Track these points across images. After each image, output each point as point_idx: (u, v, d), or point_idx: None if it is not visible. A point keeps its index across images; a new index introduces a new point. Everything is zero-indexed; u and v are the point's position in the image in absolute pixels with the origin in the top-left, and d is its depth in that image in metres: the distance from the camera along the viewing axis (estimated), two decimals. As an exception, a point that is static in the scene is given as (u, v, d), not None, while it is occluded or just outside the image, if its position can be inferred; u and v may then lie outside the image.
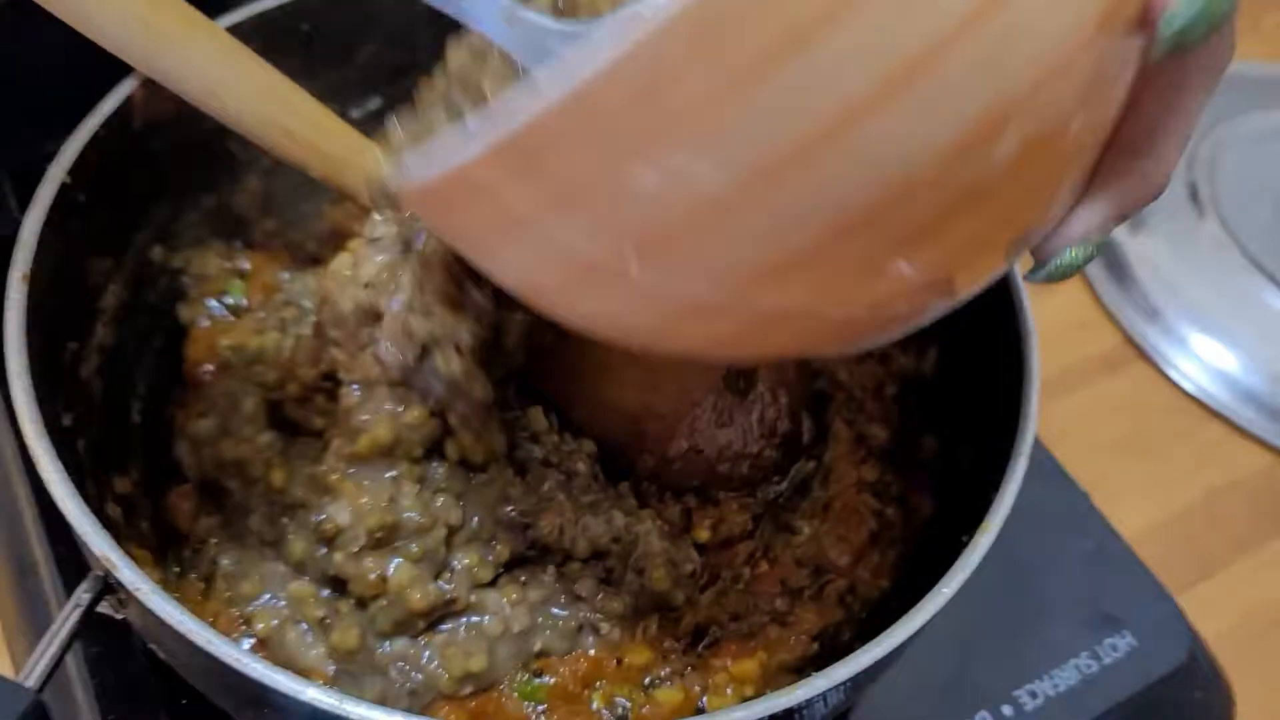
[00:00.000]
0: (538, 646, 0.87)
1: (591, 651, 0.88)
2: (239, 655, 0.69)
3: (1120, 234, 1.63)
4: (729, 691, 0.88)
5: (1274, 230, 1.62)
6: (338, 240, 1.08)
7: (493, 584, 0.88)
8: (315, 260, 1.10)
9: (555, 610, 0.88)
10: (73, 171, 0.90)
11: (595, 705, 0.86)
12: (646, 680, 0.88)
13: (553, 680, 0.86)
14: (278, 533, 0.87)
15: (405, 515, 0.84)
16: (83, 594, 0.74)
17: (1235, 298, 1.56)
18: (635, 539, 0.90)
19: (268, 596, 0.86)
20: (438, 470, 0.87)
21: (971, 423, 0.99)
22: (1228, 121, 1.75)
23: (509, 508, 0.88)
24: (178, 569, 0.90)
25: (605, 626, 0.88)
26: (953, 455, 1.01)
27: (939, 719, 0.97)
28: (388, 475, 0.85)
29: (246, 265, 1.08)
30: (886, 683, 0.85)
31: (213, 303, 1.06)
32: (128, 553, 0.79)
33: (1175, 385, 1.50)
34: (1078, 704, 1.00)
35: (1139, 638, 1.04)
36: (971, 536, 0.81)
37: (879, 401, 1.06)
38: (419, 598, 0.83)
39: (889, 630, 0.74)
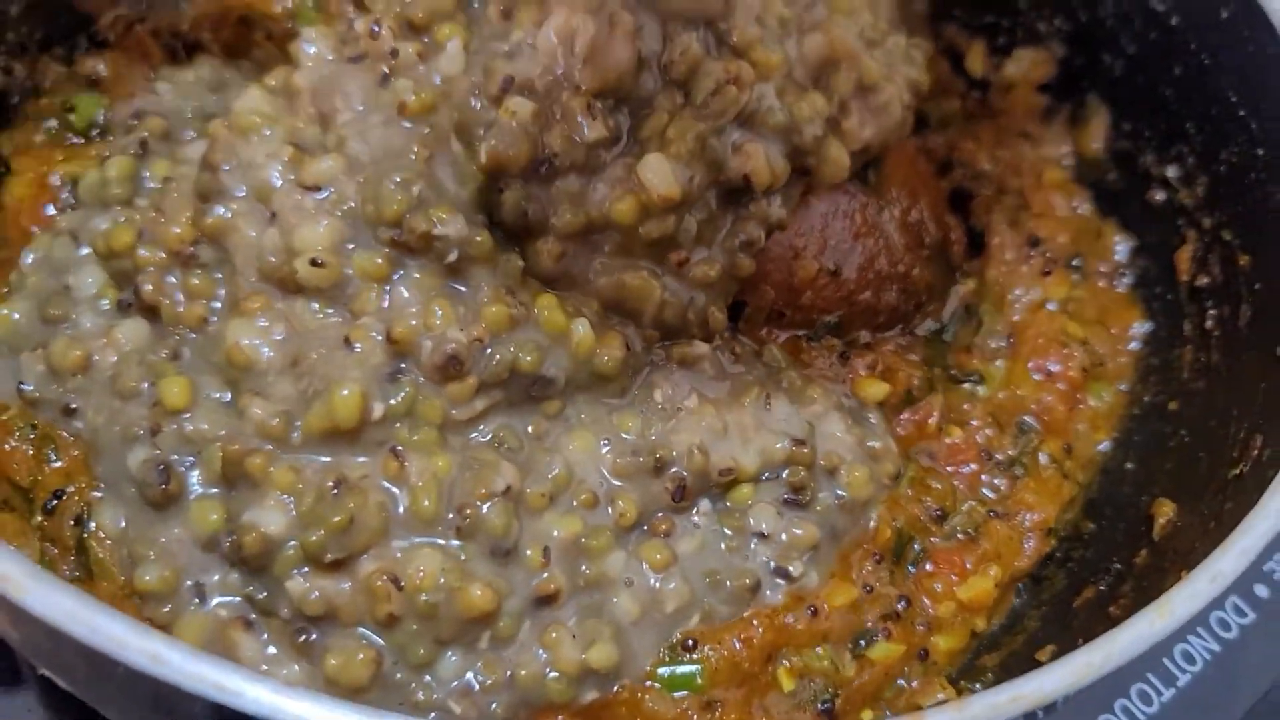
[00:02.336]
0: (695, 619, 0.60)
1: (777, 602, 0.62)
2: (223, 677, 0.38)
3: None
4: (958, 624, 0.62)
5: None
6: (237, 24, 0.78)
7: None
8: (195, 48, 0.78)
9: (721, 563, 0.62)
10: None
11: (788, 687, 0.60)
12: (854, 639, 0.62)
13: (714, 655, 0.59)
14: (173, 488, 0.57)
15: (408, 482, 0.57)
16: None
17: None
18: (814, 430, 0.65)
19: (187, 586, 0.56)
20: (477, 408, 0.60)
21: (1185, 212, 0.73)
22: None
23: (622, 439, 0.63)
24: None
25: (797, 566, 0.62)
26: (1160, 256, 0.75)
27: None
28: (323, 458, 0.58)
29: (101, 69, 0.75)
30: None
31: (51, 123, 0.73)
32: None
33: None
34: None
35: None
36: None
37: (1040, 193, 0.79)
38: (479, 595, 0.55)
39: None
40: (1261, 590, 0.75)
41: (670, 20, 0.64)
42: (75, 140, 0.73)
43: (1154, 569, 0.60)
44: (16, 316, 0.64)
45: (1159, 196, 0.76)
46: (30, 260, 0.66)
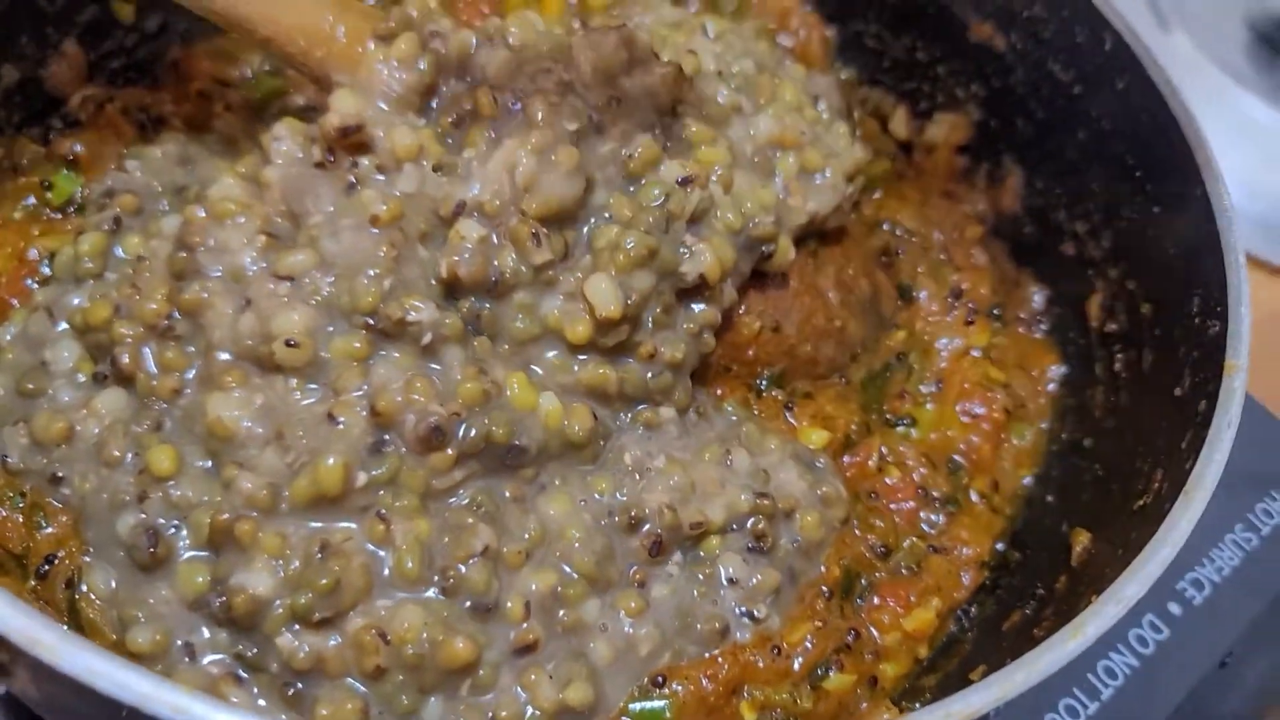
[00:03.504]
0: (665, 659, 0.64)
1: (744, 641, 0.66)
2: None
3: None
4: (903, 652, 0.67)
5: (1245, 39, 1.48)
6: (195, 98, 0.83)
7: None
8: (159, 123, 0.81)
9: (693, 608, 0.66)
10: None
11: (750, 719, 0.64)
12: (810, 672, 0.66)
13: (682, 691, 0.63)
14: (161, 551, 0.60)
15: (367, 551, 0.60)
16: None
17: (1215, 115, 1.41)
18: (770, 481, 0.70)
19: (178, 646, 0.59)
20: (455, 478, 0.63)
21: (1093, 262, 0.79)
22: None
23: (596, 499, 0.67)
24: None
25: (761, 609, 0.66)
26: (1073, 304, 0.81)
27: (1106, 635, 0.77)
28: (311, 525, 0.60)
29: (77, 148, 0.78)
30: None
31: (30, 200, 0.76)
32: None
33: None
34: (1248, 586, 0.82)
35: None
36: (1203, 384, 0.61)
37: (961, 248, 0.84)
38: (461, 647, 0.58)
39: (1168, 524, 0.54)
40: (1175, 608, 0.81)
41: (629, 122, 0.68)
42: (53, 215, 0.75)
43: (1072, 593, 0.63)
44: (-7, 390, 0.66)
45: (1070, 249, 0.81)
46: (9, 337, 0.68)
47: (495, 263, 0.64)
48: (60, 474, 0.63)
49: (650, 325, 0.68)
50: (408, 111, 0.67)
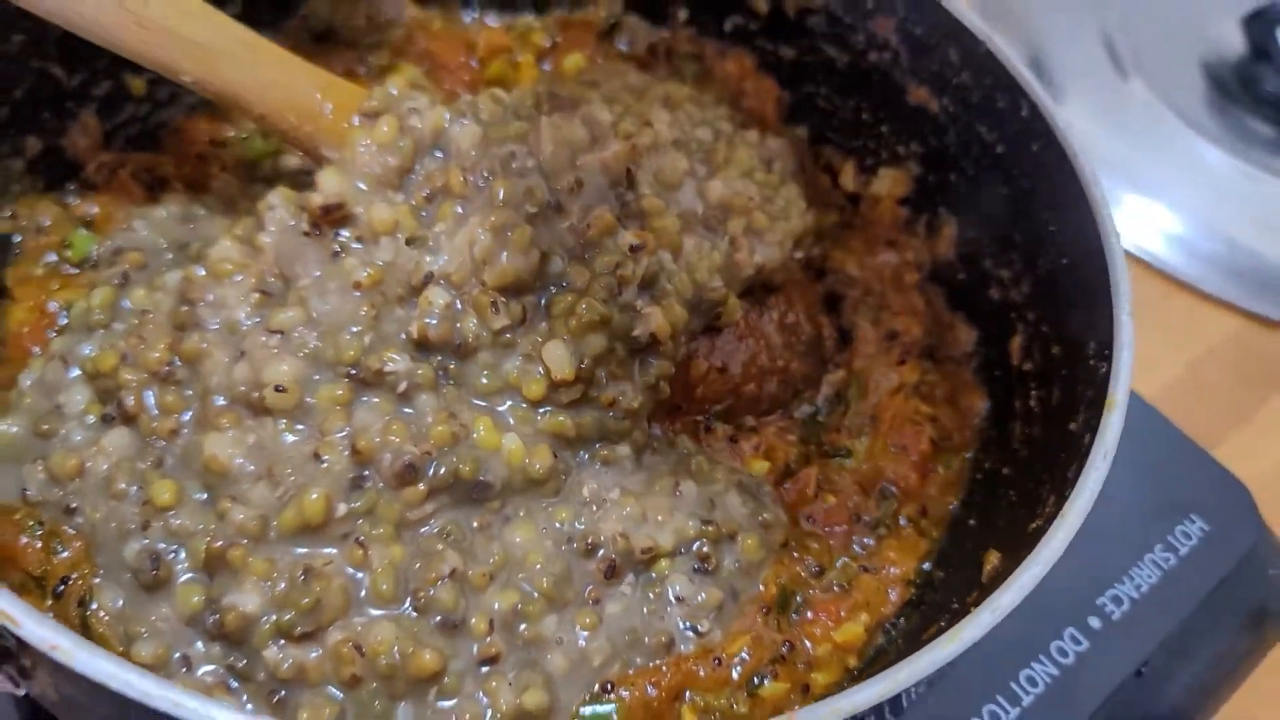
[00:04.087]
0: (615, 669, 0.70)
1: (688, 652, 0.72)
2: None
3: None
4: (834, 662, 0.73)
5: (1200, 87, 1.55)
6: (194, 160, 0.91)
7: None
8: (163, 185, 0.89)
9: (642, 623, 0.72)
10: None
11: None
12: (748, 681, 0.72)
13: (629, 696, 0.69)
14: (163, 574, 0.67)
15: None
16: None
17: (1170, 153, 1.48)
18: (715, 509, 0.76)
19: (176, 658, 0.66)
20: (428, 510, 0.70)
21: (1015, 306, 0.86)
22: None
23: (556, 528, 0.73)
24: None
25: (704, 624, 0.73)
26: (998, 345, 0.87)
27: (1028, 646, 0.84)
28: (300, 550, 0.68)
29: (93, 209, 0.86)
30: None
31: (51, 256, 0.84)
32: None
33: (1131, 257, 1.41)
34: (1164, 604, 0.88)
35: (1209, 522, 0.94)
36: (1088, 427, 0.67)
37: (900, 293, 0.91)
38: (429, 658, 0.65)
39: (1045, 541, 0.60)
40: (1095, 622, 0.87)
41: (588, 198, 0.76)
42: (71, 271, 0.82)
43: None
44: (15, 430, 0.73)
45: (996, 294, 0.88)
46: (28, 383, 0.75)
47: (459, 326, 0.71)
48: (73, 505, 0.70)
49: (605, 381, 0.75)
50: (386, 190, 0.75)
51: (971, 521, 0.80)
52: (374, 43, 1.01)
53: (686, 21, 1.04)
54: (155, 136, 0.93)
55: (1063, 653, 0.85)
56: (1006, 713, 0.81)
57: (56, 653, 0.50)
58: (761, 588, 0.76)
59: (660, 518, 0.75)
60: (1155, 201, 1.45)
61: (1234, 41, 1.54)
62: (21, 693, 0.57)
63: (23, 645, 0.52)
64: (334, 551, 0.67)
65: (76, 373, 0.75)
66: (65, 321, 0.79)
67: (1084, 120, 1.52)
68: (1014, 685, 0.82)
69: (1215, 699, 0.91)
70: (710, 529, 0.74)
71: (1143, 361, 1.29)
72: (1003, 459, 0.82)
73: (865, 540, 0.80)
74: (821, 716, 0.52)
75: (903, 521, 0.81)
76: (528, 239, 0.73)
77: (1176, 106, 1.51)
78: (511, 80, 1.00)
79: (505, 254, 0.72)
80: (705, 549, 0.74)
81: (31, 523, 0.70)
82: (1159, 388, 1.29)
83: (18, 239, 0.84)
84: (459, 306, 0.72)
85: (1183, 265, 1.41)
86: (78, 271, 0.83)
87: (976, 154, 0.89)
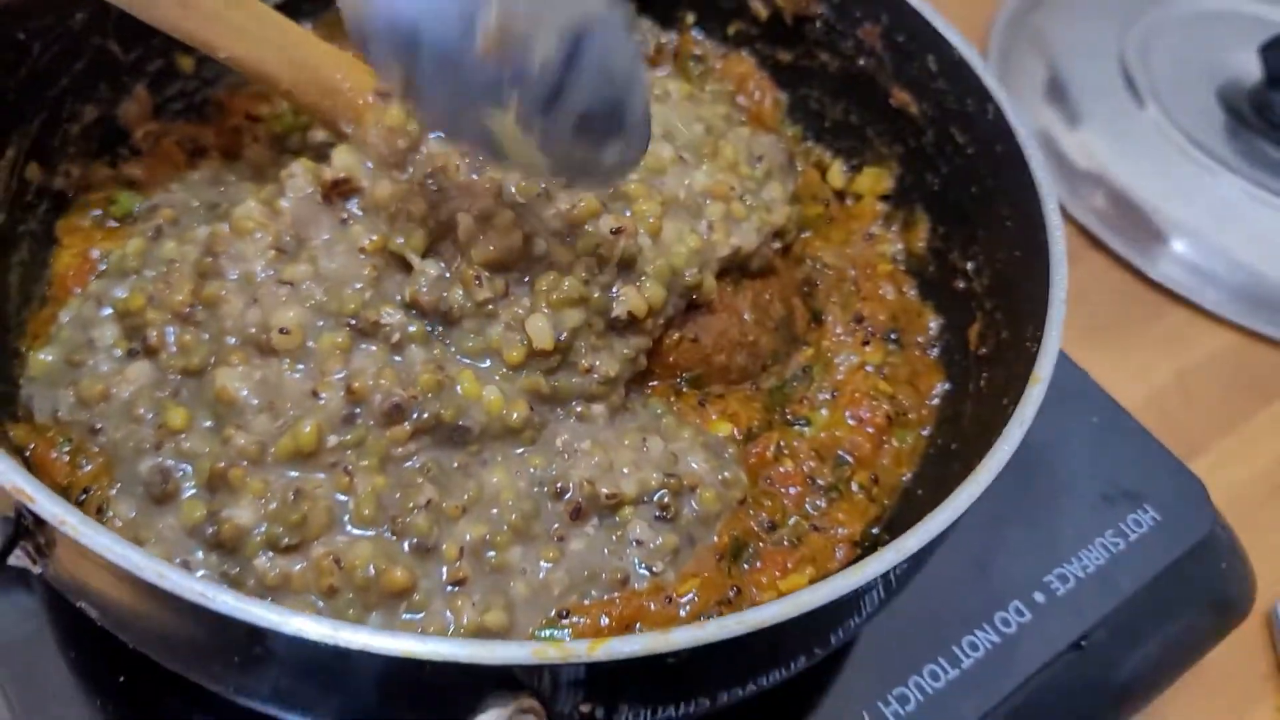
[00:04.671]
0: (573, 599, 0.77)
1: (641, 589, 0.78)
2: (204, 589, 0.56)
3: (1059, 130, 1.59)
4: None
5: (1215, 114, 1.59)
6: (230, 131, 1.00)
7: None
8: (202, 153, 0.98)
9: (601, 561, 0.78)
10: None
11: None
12: (697, 618, 0.78)
13: (583, 624, 0.76)
14: (171, 488, 0.74)
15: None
16: (-10, 539, 0.60)
17: (1180, 181, 1.52)
18: (678, 463, 0.83)
19: (176, 563, 0.72)
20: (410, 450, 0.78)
21: (976, 296, 0.92)
22: (1156, 8, 1.71)
23: (530, 472, 0.80)
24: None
25: (659, 565, 0.79)
26: (959, 332, 0.93)
27: (972, 614, 0.90)
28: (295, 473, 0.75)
29: (137, 172, 0.95)
30: (917, 582, 0.77)
31: (97, 211, 0.93)
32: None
33: (1134, 272, 1.45)
34: (1109, 584, 0.93)
35: (1161, 512, 0.98)
36: (1017, 394, 0.73)
37: (871, 281, 0.97)
38: (400, 575, 0.72)
39: (955, 493, 0.66)
40: (1039, 597, 0.92)
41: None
42: (113, 224, 0.91)
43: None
44: (51, 359, 0.82)
45: (960, 284, 0.93)
46: (66, 319, 0.84)
47: (446, 295, 0.79)
48: (98, 426, 0.77)
49: (585, 350, 0.82)
50: (392, 169, 0.82)
51: (920, 492, 0.86)
52: (401, 34, 1.09)
53: (693, 25, 1.11)
54: (198, 110, 1.02)
55: (1006, 623, 0.90)
56: (946, 672, 0.86)
57: (65, 527, 0.58)
58: (716, 538, 0.81)
59: (626, 469, 0.81)
60: (1164, 222, 1.49)
61: (1250, 69, 1.58)
62: (38, 570, 0.64)
63: (39, 523, 0.60)
64: (323, 477, 0.75)
65: (108, 311, 0.83)
66: (104, 268, 0.87)
67: (1100, 143, 1.57)
68: (955, 649, 0.88)
69: (1163, 679, 0.96)
70: (672, 481, 0.81)
71: (1131, 369, 1.35)
72: (954, 436, 0.87)
73: (818, 502, 0.85)
74: (727, 625, 0.57)
75: (855, 487, 0.86)
76: (510, 222, 0.80)
77: (1189, 132, 1.55)
78: (525, 72, 1.07)
79: (489, 236, 0.79)
80: (666, 499, 0.80)
81: (61, 439, 0.78)
82: (1145, 395, 1.33)
83: (70, 195, 0.93)
84: (447, 277, 0.80)
85: (1184, 280, 1.45)
86: (119, 225, 0.91)
87: (950, 154, 0.95)
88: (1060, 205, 1.48)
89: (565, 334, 0.80)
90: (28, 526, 0.61)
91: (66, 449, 0.78)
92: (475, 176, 0.80)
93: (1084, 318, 1.40)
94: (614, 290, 0.82)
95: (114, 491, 0.76)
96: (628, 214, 0.85)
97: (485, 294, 0.79)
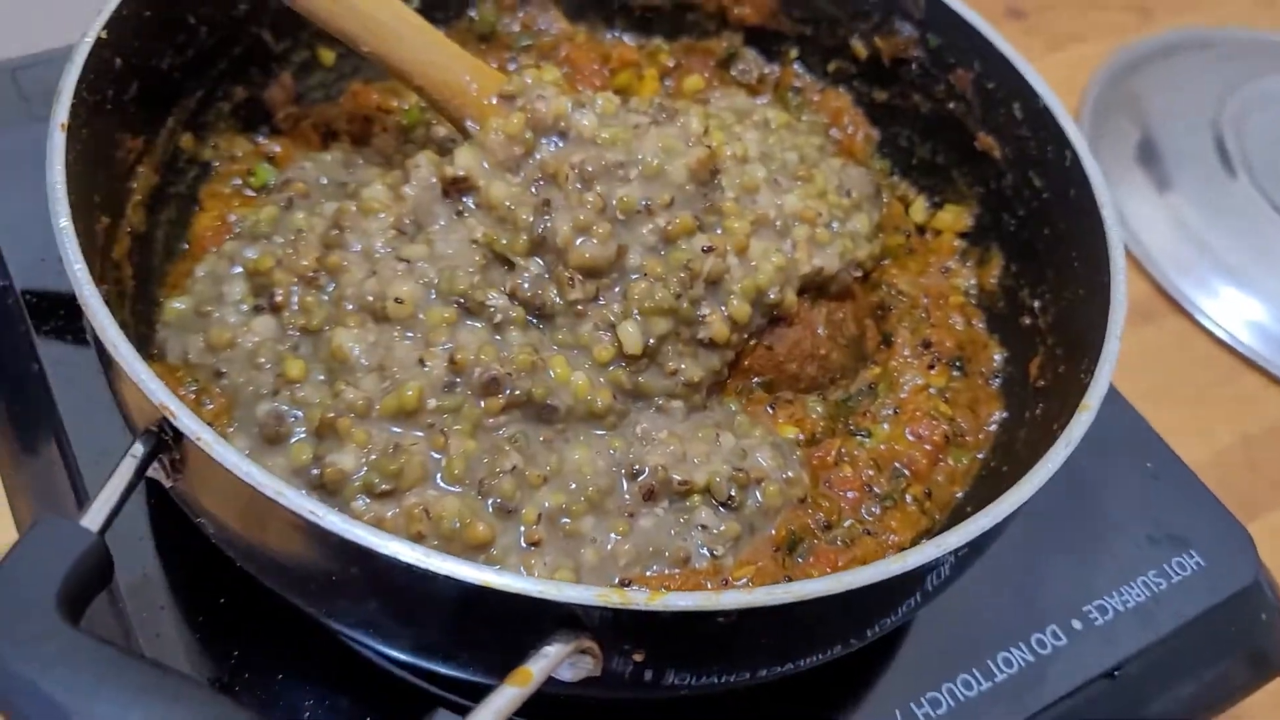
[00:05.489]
0: (636, 570, 0.82)
1: (701, 568, 0.83)
2: (315, 507, 0.64)
3: (1148, 192, 1.62)
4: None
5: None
6: (362, 119, 1.09)
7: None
8: (335, 137, 1.07)
9: (666, 539, 0.84)
10: (108, 26, 0.85)
11: None
12: None
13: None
14: (283, 431, 0.81)
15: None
16: (137, 447, 0.68)
17: (1266, 251, 1.55)
18: (747, 458, 0.88)
19: None
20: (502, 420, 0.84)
21: (1040, 333, 0.96)
22: (1252, 83, 1.75)
23: (609, 454, 0.85)
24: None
25: (720, 549, 0.84)
26: (1020, 365, 0.98)
27: (1010, 631, 0.93)
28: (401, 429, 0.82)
29: (276, 148, 1.04)
30: (960, 593, 0.82)
31: (237, 180, 1.02)
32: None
33: (1210, 335, 1.48)
34: (1147, 620, 0.96)
35: (1206, 558, 1.01)
36: (1063, 426, 0.77)
37: (942, 310, 1.02)
38: (481, 529, 0.79)
39: (998, 500, 0.71)
40: (1077, 624, 0.95)
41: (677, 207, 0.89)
42: (250, 194, 1.00)
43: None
44: (184, 307, 0.90)
45: (1026, 321, 0.98)
46: (201, 273, 0.92)
47: (540, 292, 0.86)
48: (222, 370, 0.85)
49: (671, 354, 0.88)
50: (506, 172, 0.89)
51: (969, 509, 0.89)
52: (526, 46, 1.18)
53: (795, 59, 1.18)
54: (335, 98, 1.11)
55: (1041, 644, 0.93)
56: (979, 683, 0.90)
57: (200, 442, 0.65)
58: (774, 531, 0.87)
59: (698, 460, 0.87)
60: (1246, 288, 1.52)
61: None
62: (169, 484, 0.72)
63: (177, 438, 0.67)
64: (420, 435, 0.82)
65: (239, 270, 0.91)
66: (238, 231, 0.96)
67: (1188, 207, 1.60)
68: (990, 662, 0.91)
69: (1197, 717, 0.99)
70: (740, 475, 0.86)
71: (1198, 428, 1.38)
72: (1007, 460, 0.91)
73: (873, 509, 0.90)
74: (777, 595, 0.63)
75: (908, 499, 0.91)
76: (607, 234, 0.87)
77: (1272, 201, 1.58)
78: (634, 90, 1.15)
79: (586, 244, 0.86)
80: (732, 491, 0.86)
81: (189, 379, 0.86)
82: (1208, 455, 1.36)
83: (215, 164, 1.02)
84: (546, 276, 0.87)
85: (1261, 348, 1.47)
86: (255, 195, 1.00)
87: (1026, 197, 1.00)
88: (1139, 263, 1.52)
89: (653, 340, 0.86)
90: (168, 441, 0.68)
91: (193, 388, 0.86)
92: (579, 187, 0.87)
93: (1157, 375, 1.43)
94: (701, 307, 0.88)
95: (232, 429, 0.83)
96: (719, 231, 0.91)
97: (577, 295, 0.86)
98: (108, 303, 0.72)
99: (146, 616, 0.85)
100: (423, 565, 0.63)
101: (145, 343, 0.89)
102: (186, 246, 0.97)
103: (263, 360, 0.85)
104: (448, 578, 0.62)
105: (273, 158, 1.03)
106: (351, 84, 1.11)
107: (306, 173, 1.00)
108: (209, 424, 0.82)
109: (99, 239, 0.85)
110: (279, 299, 0.87)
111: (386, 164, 1.02)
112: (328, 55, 1.09)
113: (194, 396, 0.85)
